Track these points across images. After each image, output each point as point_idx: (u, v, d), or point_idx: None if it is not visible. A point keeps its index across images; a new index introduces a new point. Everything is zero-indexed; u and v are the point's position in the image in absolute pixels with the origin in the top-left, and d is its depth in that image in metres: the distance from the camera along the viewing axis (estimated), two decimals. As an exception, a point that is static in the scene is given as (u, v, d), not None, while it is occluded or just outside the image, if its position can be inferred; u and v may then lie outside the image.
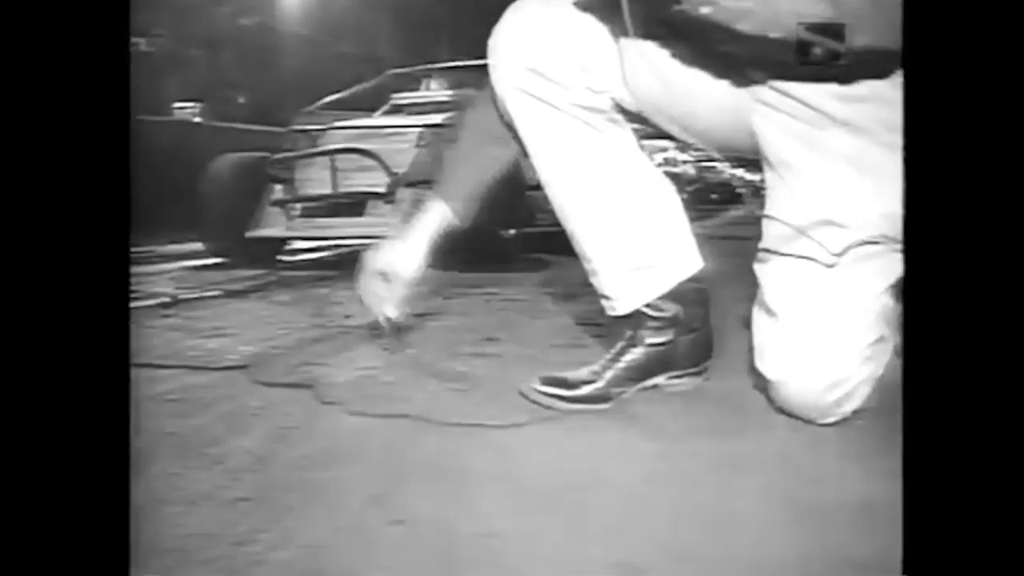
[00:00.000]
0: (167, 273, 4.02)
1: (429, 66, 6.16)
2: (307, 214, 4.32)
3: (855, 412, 1.19)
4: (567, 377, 1.33)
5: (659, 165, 1.39)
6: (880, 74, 1.11)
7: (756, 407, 1.27)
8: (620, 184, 1.32)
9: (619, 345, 1.36)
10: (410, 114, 4.70)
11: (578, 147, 1.30)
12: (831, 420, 1.19)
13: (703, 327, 1.39)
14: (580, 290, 2.07)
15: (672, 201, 1.37)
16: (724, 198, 10.37)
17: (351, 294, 1.62)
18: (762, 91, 1.21)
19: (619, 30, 1.25)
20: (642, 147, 1.37)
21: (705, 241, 1.40)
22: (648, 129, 1.37)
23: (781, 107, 1.20)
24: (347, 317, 2.06)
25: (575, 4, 1.28)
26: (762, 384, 1.25)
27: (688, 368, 1.38)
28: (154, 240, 5.18)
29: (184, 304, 2.73)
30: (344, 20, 13.84)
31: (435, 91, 5.47)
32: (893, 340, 1.20)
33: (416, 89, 5.60)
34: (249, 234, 4.28)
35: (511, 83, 1.29)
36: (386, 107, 5.18)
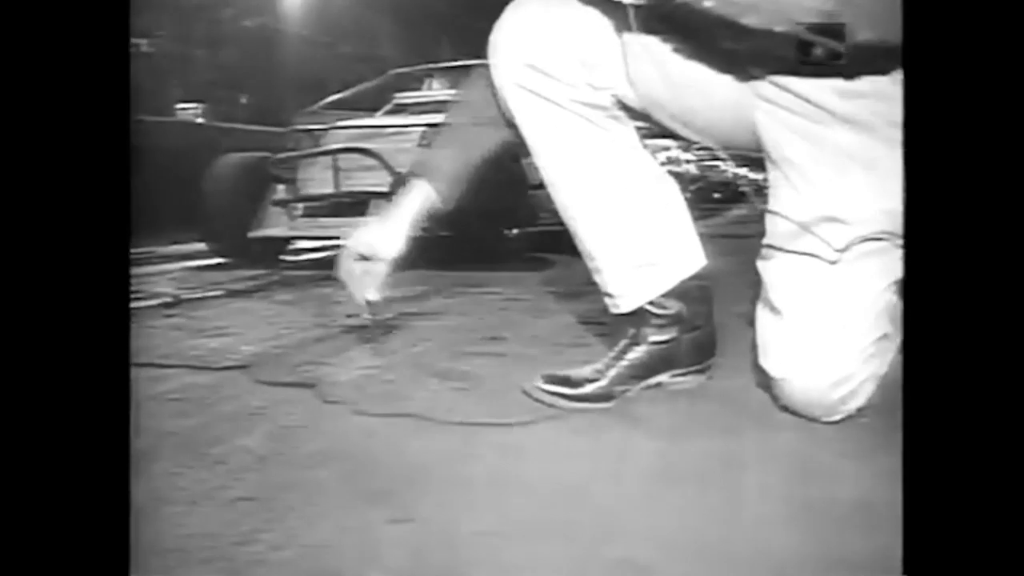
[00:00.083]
0: (169, 273, 4.03)
1: (431, 65, 6.16)
2: (309, 214, 4.33)
3: (859, 410, 1.18)
4: (570, 375, 1.33)
5: (662, 164, 1.38)
6: (883, 70, 1.10)
7: (760, 405, 1.27)
8: (622, 181, 1.32)
9: (622, 343, 1.35)
10: (412, 113, 4.70)
11: (580, 144, 1.30)
12: (835, 418, 1.18)
13: (706, 325, 1.38)
14: (583, 289, 2.06)
15: (675, 198, 1.37)
16: (727, 197, 10.34)
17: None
18: (764, 87, 1.20)
19: (622, 25, 1.24)
20: (645, 146, 1.37)
21: (708, 240, 1.39)
22: (651, 128, 1.37)
23: (783, 103, 1.19)
24: (349, 316, 2.06)
25: None
26: (766, 382, 1.25)
27: (691, 366, 1.37)
28: (157, 240, 5.18)
29: (186, 304, 2.73)
30: (346, 21, 13.85)
31: (437, 90, 5.47)
32: (897, 337, 1.20)
33: (418, 89, 5.60)
34: (251, 234, 4.29)
35: (512, 80, 1.29)
36: (388, 107, 5.17)
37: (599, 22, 1.27)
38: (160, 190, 4.91)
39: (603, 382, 1.31)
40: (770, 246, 1.23)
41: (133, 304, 2.64)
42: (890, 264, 1.14)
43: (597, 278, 1.36)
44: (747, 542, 0.84)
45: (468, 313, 2.37)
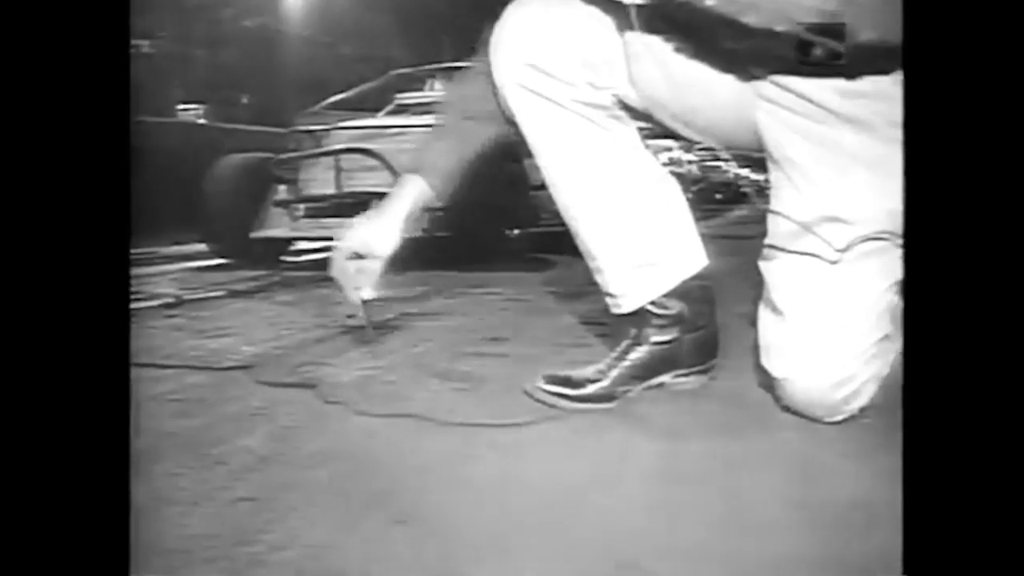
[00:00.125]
0: (171, 274, 4.03)
1: (433, 66, 6.16)
2: (311, 214, 4.33)
3: (862, 410, 1.18)
4: (572, 376, 1.32)
5: (663, 165, 1.37)
6: (884, 70, 1.10)
7: (762, 405, 1.27)
8: (624, 181, 1.31)
9: (624, 344, 1.35)
10: (414, 114, 4.69)
11: (581, 144, 1.30)
12: (837, 418, 1.18)
13: (708, 325, 1.38)
14: (584, 289, 2.06)
15: (676, 198, 1.37)
16: (728, 198, 10.34)
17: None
18: (765, 87, 1.20)
19: (624, 24, 1.24)
20: (646, 146, 1.36)
21: (709, 240, 1.39)
22: (652, 128, 1.36)
23: (784, 103, 1.19)
24: (349, 317, 2.05)
25: None
26: (768, 382, 1.24)
27: (693, 366, 1.37)
28: (158, 241, 5.19)
29: (188, 304, 2.73)
30: (347, 21, 13.85)
31: (439, 91, 5.46)
32: (899, 338, 1.20)
33: (420, 89, 5.60)
34: (253, 235, 4.29)
35: (513, 79, 1.29)
36: (390, 107, 5.17)
37: (600, 21, 1.27)
38: (161, 191, 4.92)
39: (605, 382, 1.31)
40: (772, 246, 1.22)
41: (135, 304, 2.64)
42: (892, 264, 1.14)
43: (598, 278, 1.36)
44: (749, 543, 0.83)
45: (469, 313, 2.37)
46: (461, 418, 1.25)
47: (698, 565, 0.79)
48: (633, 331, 1.35)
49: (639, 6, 1.17)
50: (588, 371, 1.33)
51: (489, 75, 1.33)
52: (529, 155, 1.35)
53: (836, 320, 1.16)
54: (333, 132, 4.41)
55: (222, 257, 4.48)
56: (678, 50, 1.23)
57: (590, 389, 1.30)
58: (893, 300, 1.17)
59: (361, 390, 1.45)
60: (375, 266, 1.42)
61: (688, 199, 1.40)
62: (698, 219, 1.39)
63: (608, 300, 1.37)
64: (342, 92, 5.16)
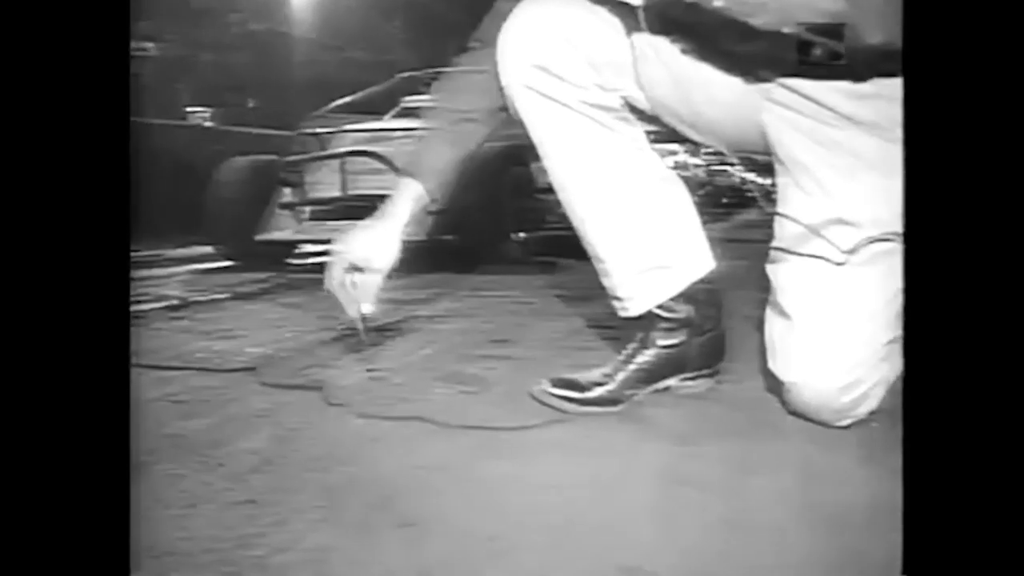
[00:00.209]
0: (176, 276, 4.03)
1: (439, 69, 6.16)
2: (316, 217, 4.33)
3: (870, 414, 1.17)
4: (578, 379, 1.31)
5: (669, 168, 1.37)
6: (891, 72, 1.09)
7: (769, 409, 1.26)
8: (631, 183, 1.31)
9: (631, 347, 1.34)
10: (420, 117, 4.68)
11: (588, 145, 1.29)
12: (845, 422, 1.17)
13: (715, 329, 1.37)
14: (591, 292, 2.05)
15: (684, 200, 1.36)
16: (735, 202, 10.33)
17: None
18: (773, 89, 1.20)
19: (632, 25, 1.24)
20: (653, 149, 1.36)
21: (716, 244, 1.38)
22: (659, 132, 1.36)
23: (791, 104, 1.18)
24: (346, 328, 2.05)
25: None
26: (775, 386, 1.24)
27: (700, 370, 1.36)
28: (164, 243, 5.20)
29: (193, 306, 2.73)
30: (353, 25, 13.88)
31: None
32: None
33: (426, 92, 5.59)
34: (259, 237, 4.29)
35: (519, 80, 1.28)
36: (396, 110, 5.16)
37: (608, 23, 1.26)
38: (168, 193, 4.93)
39: (611, 386, 1.30)
40: (779, 249, 1.22)
41: (141, 306, 2.65)
42: (900, 267, 1.13)
43: (606, 281, 1.35)
44: (755, 547, 0.83)
45: (475, 316, 2.36)
46: (466, 421, 1.24)
47: (703, 569, 0.78)
48: (640, 334, 1.34)
49: (647, 8, 1.17)
50: (594, 374, 1.32)
51: (480, 74, 1.33)
52: (535, 158, 1.35)
53: (844, 323, 1.15)
54: (339, 135, 4.41)
55: (228, 259, 4.49)
56: (686, 52, 1.23)
57: (596, 392, 1.30)
58: (901, 303, 1.15)
59: (366, 392, 1.44)
60: (374, 279, 1.38)
61: (694, 202, 1.39)
62: (704, 223, 1.38)
63: (615, 304, 1.36)
64: (348, 95, 5.16)
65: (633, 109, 1.32)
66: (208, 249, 4.61)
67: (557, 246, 3.47)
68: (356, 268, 1.37)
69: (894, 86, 1.09)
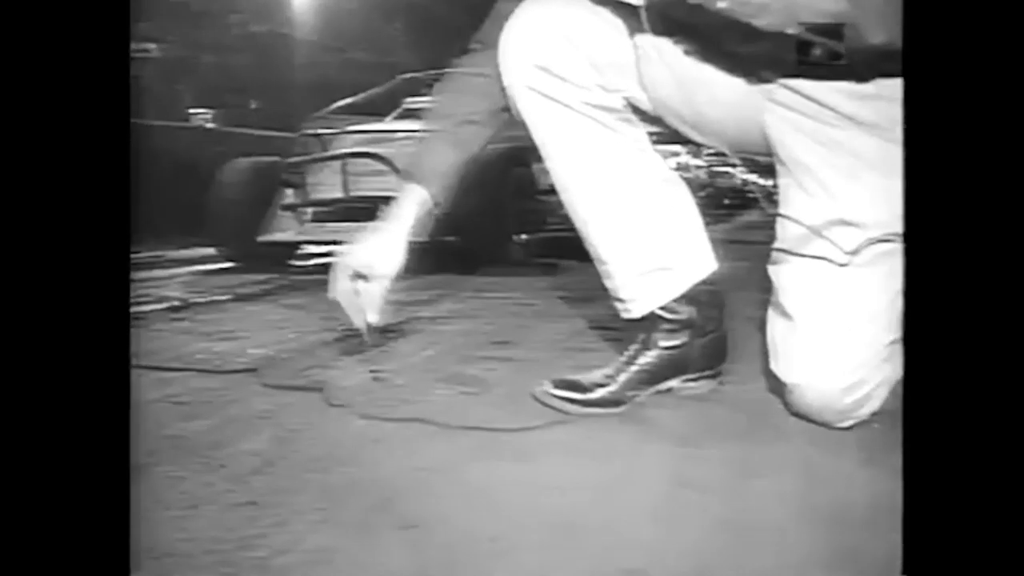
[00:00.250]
0: (178, 277, 4.03)
1: (441, 70, 6.16)
2: (318, 218, 4.32)
3: (873, 415, 1.17)
4: (580, 380, 1.31)
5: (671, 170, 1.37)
6: (894, 72, 1.09)
7: (771, 411, 1.25)
8: (634, 184, 1.30)
9: (633, 348, 1.34)
10: (422, 118, 4.68)
11: (591, 147, 1.29)
12: (848, 423, 1.17)
13: (718, 330, 1.37)
14: (592, 293, 2.05)
15: (686, 202, 1.36)
16: (736, 203, 10.34)
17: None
18: (774, 89, 1.19)
19: (635, 26, 1.23)
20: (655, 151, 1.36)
21: (717, 245, 1.38)
22: (660, 133, 1.35)
23: (793, 105, 1.18)
24: (349, 330, 2.05)
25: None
26: (777, 387, 1.23)
27: (702, 371, 1.36)
28: (166, 244, 5.20)
29: (195, 308, 2.72)
30: (355, 26, 13.88)
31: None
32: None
33: (428, 94, 5.59)
34: (260, 238, 4.29)
35: (522, 81, 1.28)
36: (398, 111, 5.17)
37: (610, 23, 1.26)
38: (170, 195, 4.93)
39: (613, 387, 1.30)
40: (781, 250, 1.21)
41: (142, 308, 2.64)
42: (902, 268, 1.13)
43: (608, 283, 1.35)
44: (757, 549, 0.82)
45: (477, 317, 2.36)
46: (468, 422, 1.24)
47: (705, 570, 0.78)
48: (642, 336, 1.34)
49: (649, 9, 1.17)
50: (596, 375, 1.32)
51: (487, 76, 1.32)
52: (537, 159, 1.34)
53: (846, 324, 1.15)
54: (341, 136, 4.41)
55: (229, 260, 4.48)
56: (688, 53, 1.22)
57: (598, 394, 1.29)
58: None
59: (367, 393, 1.44)
60: (379, 287, 1.37)
61: (696, 204, 1.39)
62: (706, 224, 1.38)
63: (618, 305, 1.36)
64: (350, 97, 5.16)
65: (635, 110, 1.32)
66: (210, 250, 4.60)
67: (559, 247, 3.48)
68: (361, 276, 1.36)
69: (895, 87, 1.09)
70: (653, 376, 1.33)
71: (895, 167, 1.07)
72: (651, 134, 1.35)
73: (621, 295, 1.34)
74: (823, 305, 1.17)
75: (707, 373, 1.37)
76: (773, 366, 1.22)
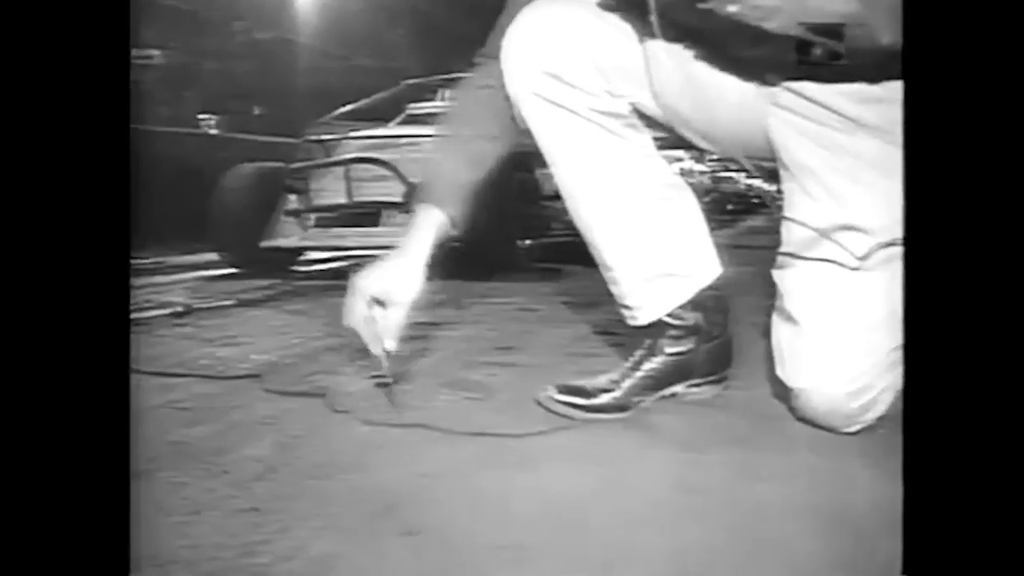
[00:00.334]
0: (181, 283, 4.03)
1: (444, 76, 6.17)
2: (322, 224, 4.32)
3: (878, 420, 1.16)
4: (584, 386, 1.31)
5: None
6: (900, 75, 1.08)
7: (777, 416, 1.25)
8: (640, 190, 1.30)
9: (638, 354, 1.33)
10: (425, 124, 4.69)
11: (597, 153, 1.28)
12: (854, 428, 1.16)
13: (723, 335, 1.36)
14: (597, 299, 2.05)
15: (692, 207, 1.35)
16: (740, 208, 10.35)
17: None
18: (778, 93, 1.19)
19: (645, 31, 1.23)
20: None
21: (721, 250, 1.37)
22: (664, 139, 1.35)
23: (796, 109, 1.18)
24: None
25: (599, 4, 1.26)
26: (783, 392, 1.23)
27: (707, 376, 1.35)
28: (169, 250, 5.20)
29: (197, 313, 2.72)
30: (358, 32, 13.90)
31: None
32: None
33: (432, 99, 5.60)
34: (264, 244, 4.29)
35: (528, 88, 1.27)
36: (401, 117, 5.17)
37: (617, 27, 1.25)
38: (173, 200, 4.93)
39: (618, 393, 1.29)
40: (787, 254, 1.21)
41: (145, 313, 2.64)
42: (906, 272, 1.12)
43: (614, 290, 1.34)
44: (762, 554, 0.82)
45: (481, 323, 2.35)
46: (472, 428, 1.23)
47: (710, 575, 0.78)
48: (648, 342, 1.33)
49: (661, 14, 1.16)
50: (601, 381, 1.31)
51: (493, 88, 1.31)
52: (541, 164, 1.33)
53: (853, 329, 1.15)
54: (344, 142, 4.42)
55: (233, 266, 4.48)
56: (699, 57, 1.22)
57: (603, 399, 1.29)
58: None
59: (370, 399, 1.43)
60: (397, 315, 1.31)
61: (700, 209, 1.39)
62: (710, 230, 1.37)
63: (624, 312, 1.35)
64: (353, 102, 5.17)
65: (641, 115, 1.31)
66: (213, 256, 4.61)
67: (562, 253, 3.47)
68: (379, 302, 1.31)
69: (898, 89, 1.09)
70: (658, 382, 1.32)
71: (899, 170, 1.08)
72: (655, 139, 1.35)
73: (627, 302, 1.33)
74: (829, 309, 1.16)
75: (712, 378, 1.36)
76: (779, 371, 1.21)
